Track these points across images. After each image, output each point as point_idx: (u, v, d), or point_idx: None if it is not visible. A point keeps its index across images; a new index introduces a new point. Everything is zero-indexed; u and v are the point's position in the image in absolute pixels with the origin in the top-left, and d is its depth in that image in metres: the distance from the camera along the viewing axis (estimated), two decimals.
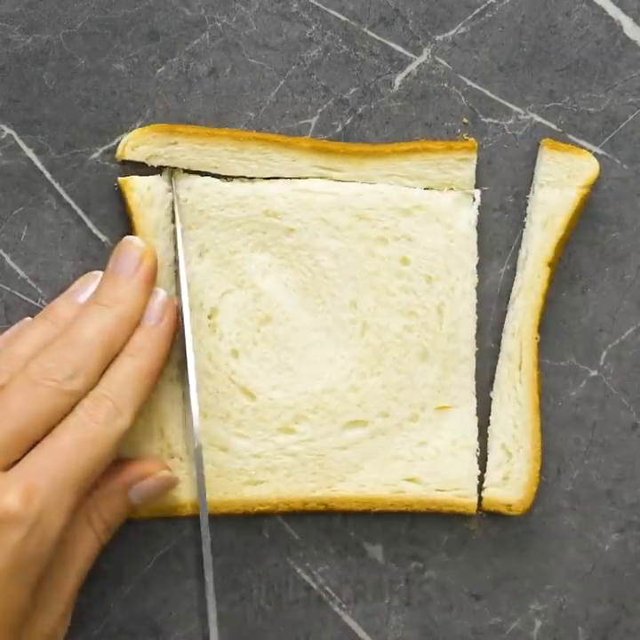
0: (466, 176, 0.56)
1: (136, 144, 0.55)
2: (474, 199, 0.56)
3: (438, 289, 0.56)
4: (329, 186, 0.56)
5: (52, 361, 0.49)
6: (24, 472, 0.47)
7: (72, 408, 0.49)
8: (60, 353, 0.50)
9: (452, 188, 0.56)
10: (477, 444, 0.57)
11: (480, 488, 0.57)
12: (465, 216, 0.56)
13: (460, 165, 0.56)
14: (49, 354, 0.50)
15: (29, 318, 0.55)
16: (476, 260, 0.57)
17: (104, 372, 0.51)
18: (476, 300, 0.57)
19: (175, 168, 0.56)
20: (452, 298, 0.56)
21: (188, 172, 0.56)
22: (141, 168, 0.56)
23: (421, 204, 0.56)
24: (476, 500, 0.56)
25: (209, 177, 0.56)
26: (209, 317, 0.56)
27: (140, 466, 0.54)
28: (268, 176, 0.56)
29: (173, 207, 0.55)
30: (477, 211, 0.56)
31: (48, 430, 0.49)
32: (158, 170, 0.56)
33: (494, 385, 0.57)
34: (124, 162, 0.56)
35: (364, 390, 0.56)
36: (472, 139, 0.57)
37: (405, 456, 0.56)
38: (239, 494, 0.56)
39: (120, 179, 0.55)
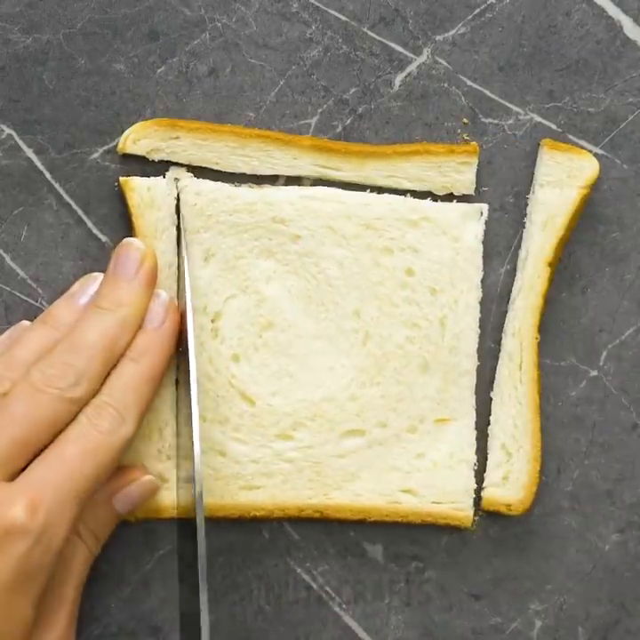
0: (466, 180, 0.56)
1: (137, 137, 0.55)
2: (481, 213, 0.56)
3: (442, 301, 0.56)
4: (337, 194, 0.56)
5: (54, 367, 0.49)
6: (28, 483, 0.46)
7: (75, 415, 0.49)
8: (62, 359, 0.49)
9: (451, 193, 0.57)
10: (475, 457, 0.57)
11: (476, 501, 0.57)
12: (472, 230, 0.56)
13: (461, 169, 0.56)
14: (51, 360, 0.50)
15: (27, 322, 0.55)
16: (480, 274, 0.57)
17: (107, 376, 0.51)
18: (479, 315, 0.57)
19: (179, 168, 0.56)
20: (455, 311, 0.56)
21: (190, 169, 0.56)
22: (143, 168, 0.56)
23: (429, 215, 0.56)
24: (471, 513, 0.56)
25: (220, 182, 0.56)
26: (212, 321, 0.56)
27: (121, 474, 0.53)
28: (269, 173, 0.56)
29: (177, 211, 0.56)
30: (485, 225, 0.57)
31: (51, 438, 0.48)
32: (160, 171, 0.56)
33: (494, 385, 0.57)
34: (125, 157, 0.56)
35: (363, 400, 0.56)
36: (474, 142, 0.57)
37: (402, 467, 0.56)
38: (235, 498, 0.56)
39: (121, 178, 0.55)
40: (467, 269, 0.56)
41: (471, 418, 0.57)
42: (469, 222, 0.56)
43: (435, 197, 0.57)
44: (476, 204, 0.57)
